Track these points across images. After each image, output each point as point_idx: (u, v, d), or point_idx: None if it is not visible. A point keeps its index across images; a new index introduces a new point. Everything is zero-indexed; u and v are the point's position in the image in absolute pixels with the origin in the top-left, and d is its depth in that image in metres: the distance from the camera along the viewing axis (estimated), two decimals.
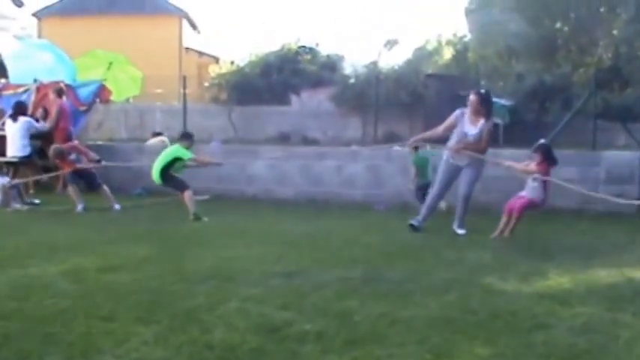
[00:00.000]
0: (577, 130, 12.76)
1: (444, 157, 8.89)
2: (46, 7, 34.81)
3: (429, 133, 9.30)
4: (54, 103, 12.50)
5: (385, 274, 6.10)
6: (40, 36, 31.18)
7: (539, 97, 14.74)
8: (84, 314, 4.68)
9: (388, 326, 4.52)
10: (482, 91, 9.05)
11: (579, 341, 4.26)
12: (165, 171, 10.15)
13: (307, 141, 14.78)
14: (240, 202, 11.19)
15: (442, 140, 9.04)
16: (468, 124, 8.56)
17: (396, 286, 5.62)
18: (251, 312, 4.79)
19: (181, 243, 7.75)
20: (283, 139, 15.37)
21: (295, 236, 8.23)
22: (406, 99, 15.40)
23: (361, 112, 15.86)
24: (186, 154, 10.21)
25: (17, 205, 10.94)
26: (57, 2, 34.63)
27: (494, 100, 15.30)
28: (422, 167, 10.53)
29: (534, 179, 8.25)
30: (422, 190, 10.16)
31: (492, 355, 4.03)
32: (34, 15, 34.92)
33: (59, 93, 12.57)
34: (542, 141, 8.56)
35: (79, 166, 11.06)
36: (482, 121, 8.55)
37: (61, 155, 10.96)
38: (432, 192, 9.00)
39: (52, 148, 11.08)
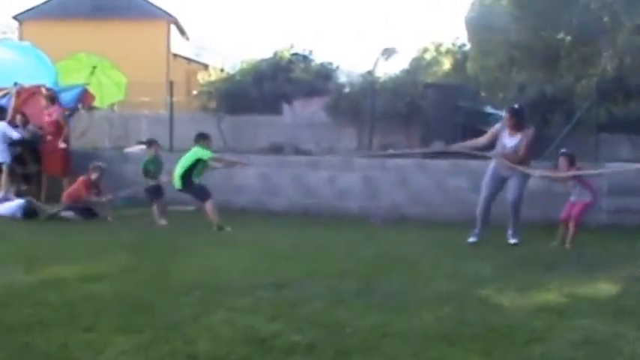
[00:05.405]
0: (579, 143, 12.50)
1: (490, 164, 9.05)
2: (28, 10, 33.33)
3: (471, 143, 9.42)
4: (50, 110, 12.05)
5: (379, 286, 5.95)
6: (21, 40, 30.33)
7: (540, 108, 14.42)
8: (63, 324, 4.53)
9: (381, 338, 4.38)
10: (515, 106, 9.27)
11: (579, 355, 4.13)
12: (187, 175, 9.93)
13: (300, 152, 14.48)
14: (229, 214, 10.89)
15: (483, 149, 9.20)
16: (507, 137, 8.87)
17: (390, 298, 5.47)
18: (238, 323, 4.63)
19: (166, 253, 7.54)
20: (275, 150, 15.04)
21: (286, 248, 8.03)
22: (403, 109, 15.18)
23: (356, 123, 15.63)
24: (206, 154, 10.00)
25: None
26: (39, 5, 33.35)
27: (494, 111, 15.26)
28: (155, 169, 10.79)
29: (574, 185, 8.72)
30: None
31: None
32: (14, 18, 33.97)
33: (52, 100, 12.14)
34: (564, 150, 8.98)
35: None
36: (520, 133, 8.79)
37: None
38: (480, 198, 9.05)
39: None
